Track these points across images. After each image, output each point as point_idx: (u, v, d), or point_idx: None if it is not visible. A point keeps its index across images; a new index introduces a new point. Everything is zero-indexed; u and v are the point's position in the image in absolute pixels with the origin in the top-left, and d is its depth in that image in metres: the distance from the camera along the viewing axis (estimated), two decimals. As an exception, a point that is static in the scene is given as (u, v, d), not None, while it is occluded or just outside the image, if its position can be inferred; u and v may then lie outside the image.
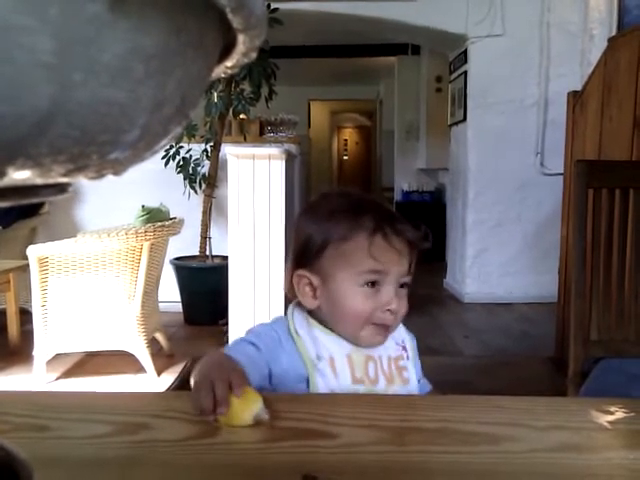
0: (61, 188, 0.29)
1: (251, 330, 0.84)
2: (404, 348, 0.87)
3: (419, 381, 0.88)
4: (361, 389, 0.78)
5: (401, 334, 0.88)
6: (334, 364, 0.79)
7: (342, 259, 0.80)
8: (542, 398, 0.66)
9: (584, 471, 0.50)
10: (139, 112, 0.23)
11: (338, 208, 0.83)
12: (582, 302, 1.36)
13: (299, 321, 0.84)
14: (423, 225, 0.82)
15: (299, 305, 0.86)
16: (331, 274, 0.81)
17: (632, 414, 0.62)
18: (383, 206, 0.84)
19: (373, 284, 0.80)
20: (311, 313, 0.84)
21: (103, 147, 0.23)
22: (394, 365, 0.83)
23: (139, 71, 0.21)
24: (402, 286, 0.82)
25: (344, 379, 0.78)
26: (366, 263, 0.79)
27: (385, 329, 0.81)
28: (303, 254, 0.83)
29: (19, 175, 0.23)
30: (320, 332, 0.82)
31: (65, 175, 0.24)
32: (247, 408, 0.61)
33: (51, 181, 0.25)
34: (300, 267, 0.83)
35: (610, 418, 0.60)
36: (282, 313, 0.87)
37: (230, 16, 0.23)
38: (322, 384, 0.77)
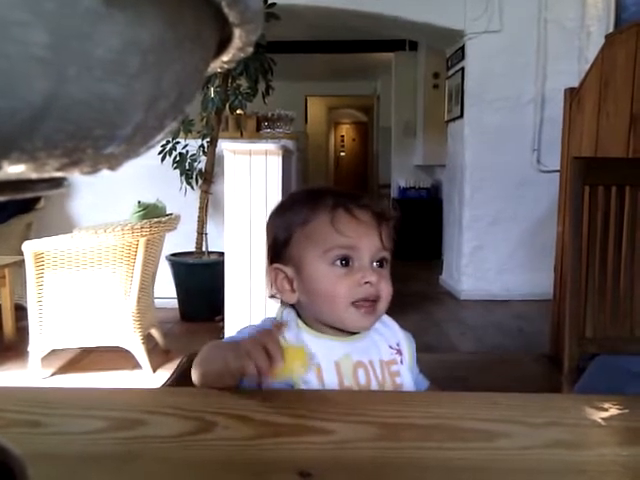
0: (57, 183, 0.29)
1: (240, 331, 0.82)
2: (399, 352, 0.84)
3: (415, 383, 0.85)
4: None
5: (396, 336, 0.86)
6: (321, 373, 0.77)
7: (308, 241, 0.79)
8: (537, 395, 0.67)
9: (578, 467, 0.51)
10: (134, 106, 0.23)
11: (299, 198, 0.84)
12: (577, 299, 1.37)
13: (287, 325, 0.82)
14: (387, 199, 0.82)
15: (288, 307, 0.84)
16: (301, 260, 0.80)
17: (626, 411, 0.62)
18: (345, 190, 0.84)
19: (346, 262, 0.78)
20: (300, 316, 0.83)
21: (98, 141, 0.23)
22: (387, 370, 0.81)
23: (134, 65, 0.21)
24: (381, 265, 0.81)
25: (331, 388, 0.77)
26: (332, 238, 0.78)
27: (370, 309, 0.79)
28: (274, 249, 0.84)
29: (14, 169, 0.23)
30: (309, 336, 0.80)
31: (60, 169, 0.24)
32: (298, 356, 0.64)
33: (46, 175, 0.25)
34: (273, 262, 0.84)
35: (604, 415, 0.60)
36: (280, 308, 0.87)
37: (226, 10, 0.23)
38: None
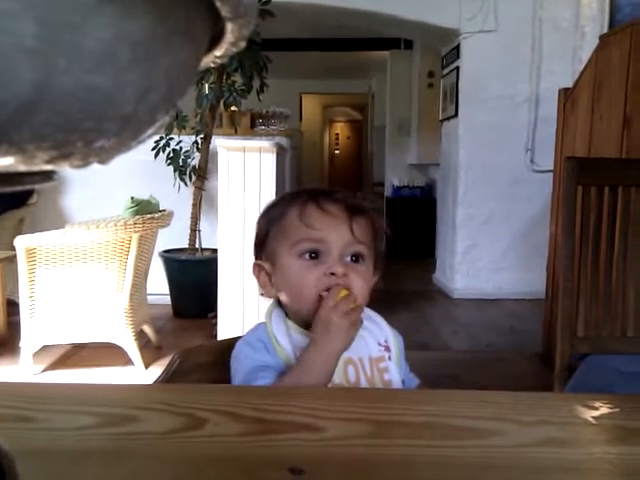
0: (47, 176, 0.29)
1: (240, 354, 0.81)
2: (387, 348, 0.84)
3: (403, 382, 0.85)
4: None
5: (384, 332, 0.86)
6: None
7: (281, 235, 0.81)
8: (528, 393, 0.67)
9: (568, 465, 0.51)
10: (124, 99, 0.22)
11: (282, 197, 0.88)
12: (569, 299, 1.37)
13: (277, 325, 0.82)
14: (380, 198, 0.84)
15: (277, 307, 0.85)
16: (275, 254, 0.81)
17: (616, 410, 0.62)
18: (323, 188, 0.87)
19: (315, 255, 0.78)
20: (288, 315, 0.83)
21: (87, 134, 0.23)
22: (375, 367, 0.81)
23: (124, 57, 0.21)
24: (356, 260, 0.80)
25: None
26: (300, 232, 0.78)
27: None
28: (256, 246, 0.86)
29: (2, 161, 0.22)
30: (298, 334, 0.80)
31: (50, 162, 0.24)
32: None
33: (36, 168, 0.25)
34: (257, 259, 0.86)
35: (595, 413, 0.61)
36: (270, 307, 0.87)
37: (218, 4, 0.23)
38: None
